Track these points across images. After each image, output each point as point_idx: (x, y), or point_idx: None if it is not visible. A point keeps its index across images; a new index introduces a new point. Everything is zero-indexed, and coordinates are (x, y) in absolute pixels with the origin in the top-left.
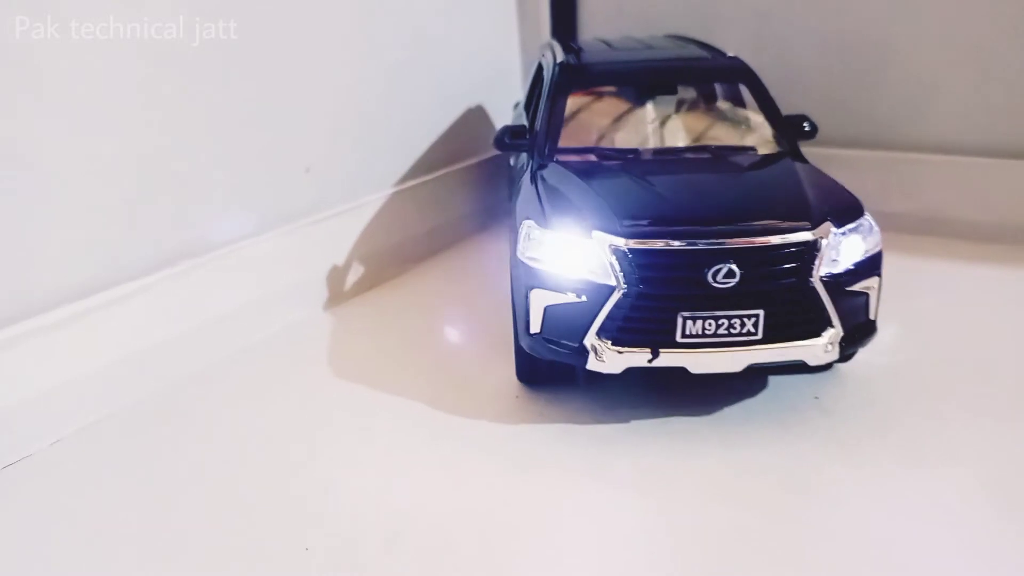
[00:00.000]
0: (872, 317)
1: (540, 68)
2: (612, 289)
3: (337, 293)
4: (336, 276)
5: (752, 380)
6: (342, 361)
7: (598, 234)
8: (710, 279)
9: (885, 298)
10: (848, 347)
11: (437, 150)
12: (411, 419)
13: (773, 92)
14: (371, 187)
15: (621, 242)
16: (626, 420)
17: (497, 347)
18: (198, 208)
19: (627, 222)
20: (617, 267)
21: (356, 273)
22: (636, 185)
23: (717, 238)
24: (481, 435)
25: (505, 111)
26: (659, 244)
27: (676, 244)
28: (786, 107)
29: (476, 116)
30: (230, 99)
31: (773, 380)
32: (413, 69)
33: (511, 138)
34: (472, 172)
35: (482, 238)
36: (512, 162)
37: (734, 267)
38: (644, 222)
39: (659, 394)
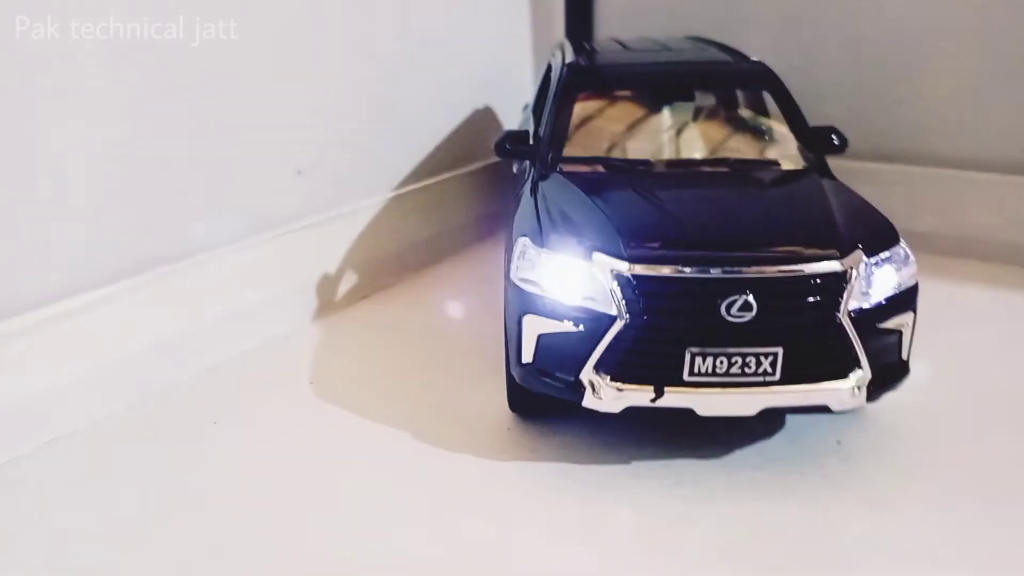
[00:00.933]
0: (904, 357)
1: (549, 69)
2: (613, 319)
3: (327, 303)
4: (327, 285)
5: (768, 419)
6: (324, 381)
7: (599, 256)
8: (723, 312)
9: (916, 327)
10: (877, 391)
11: (440, 153)
12: (391, 453)
13: (799, 100)
14: (367, 191)
15: (624, 267)
16: (627, 460)
17: (491, 370)
18: (177, 210)
19: (632, 244)
20: (619, 294)
21: (349, 282)
22: (644, 202)
23: (733, 266)
24: (466, 475)
25: (515, 113)
26: (667, 271)
27: (686, 271)
28: (812, 117)
29: (483, 118)
30: (217, 97)
31: (791, 419)
32: (415, 67)
33: (513, 144)
34: (477, 177)
35: (485, 247)
36: (515, 169)
37: (751, 299)
38: (651, 245)
39: (664, 430)
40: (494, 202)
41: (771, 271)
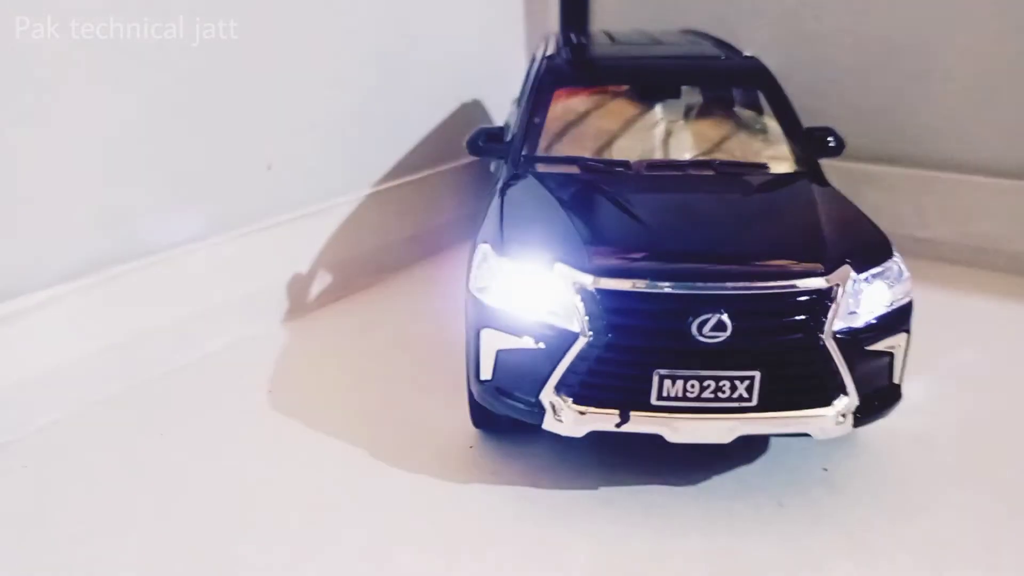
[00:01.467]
0: (896, 381)
1: (534, 62)
2: (576, 336)
3: (299, 305)
4: (298, 286)
5: (749, 442)
6: (283, 390)
7: (561, 268)
8: (695, 331)
9: (915, 342)
10: (864, 418)
11: (423, 148)
12: (345, 472)
13: (802, 99)
14: (344, 187)
15: (588, 280)
16: (594, 486)
17: (461, 382)
18: (135, 205)
19: (597, 255)
20: (582, 310)
21: (322, 283)
22: (616, 208)
23: (706, 281)
24: (422, 499)
25: (506, 108)
26: (633, 285)
27: (654, 287)
28: (815, 116)
29: (472, 112)
30: (182, 90)
31: (775, 443)
32: (400, 58)
33: (486, 141)
34: (462, 174)
35: (468, 248)
36: (492, 168)
37: (725, 318)
38: (617, 256)
39: (635, 454)
40: (478, 200)
41: (748, 287)
